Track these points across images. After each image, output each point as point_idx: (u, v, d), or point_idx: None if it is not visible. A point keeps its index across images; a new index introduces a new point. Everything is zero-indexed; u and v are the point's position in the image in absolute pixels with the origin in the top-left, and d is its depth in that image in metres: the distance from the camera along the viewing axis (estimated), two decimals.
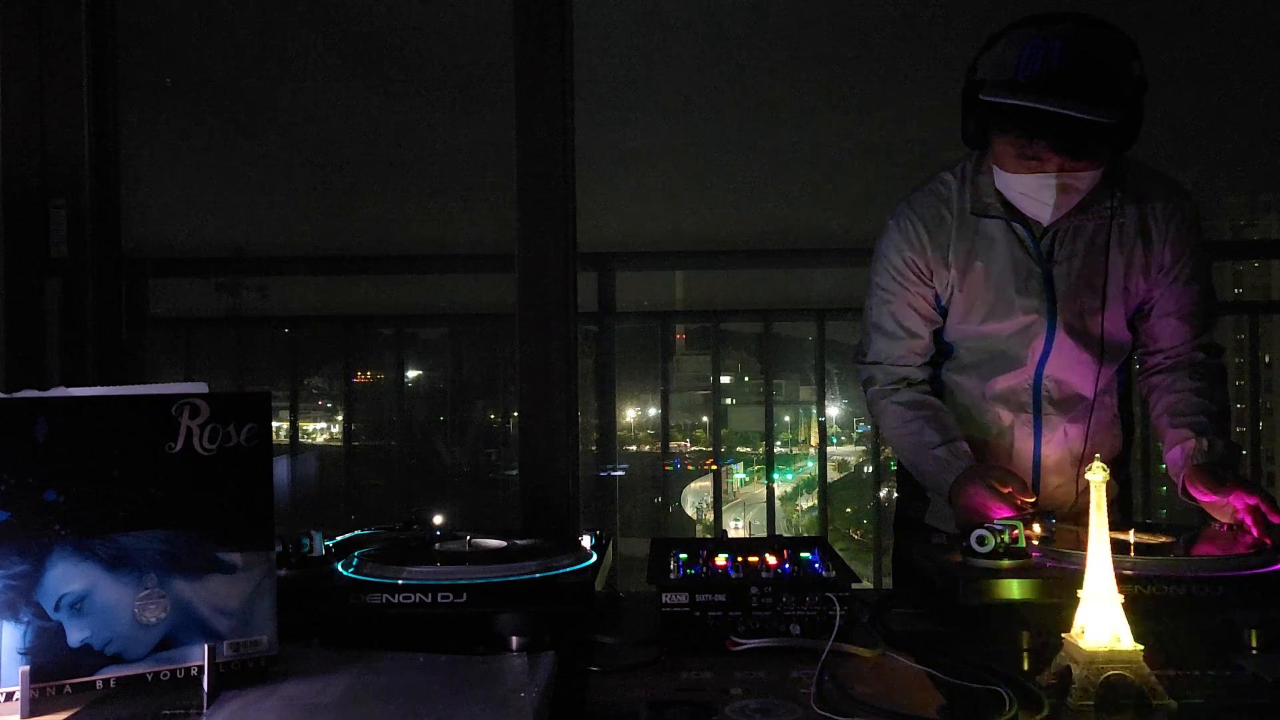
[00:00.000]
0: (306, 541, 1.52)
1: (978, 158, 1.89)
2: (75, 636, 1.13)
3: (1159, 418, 1.88)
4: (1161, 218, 1.87)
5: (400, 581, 1.37)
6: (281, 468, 3.67)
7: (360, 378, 3.89)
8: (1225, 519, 1.67)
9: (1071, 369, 1.90)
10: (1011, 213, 1.85)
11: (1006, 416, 1.93)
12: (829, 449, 3.74)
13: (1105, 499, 1.19)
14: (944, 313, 1.96)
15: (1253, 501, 1.62)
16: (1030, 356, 1.89)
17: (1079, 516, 1.67)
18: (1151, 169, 1.91)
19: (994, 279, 1.87)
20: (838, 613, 1.34)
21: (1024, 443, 1.93)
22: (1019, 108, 1.65)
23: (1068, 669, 1.16)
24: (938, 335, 1.99)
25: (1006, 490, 1.69)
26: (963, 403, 1.97)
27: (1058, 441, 1.93)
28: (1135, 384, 2.05)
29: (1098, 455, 1.83)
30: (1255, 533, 1.58)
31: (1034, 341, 1.88)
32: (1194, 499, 1.74)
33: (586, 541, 1.59)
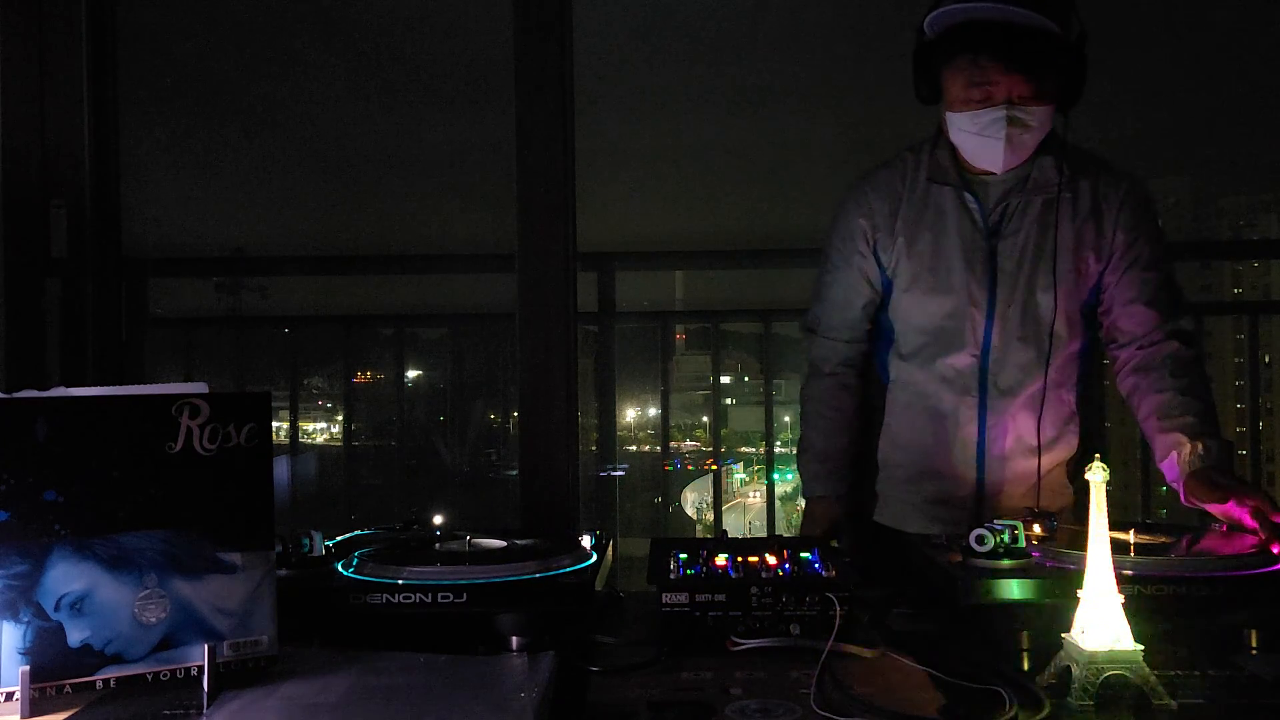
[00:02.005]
0: (306, 541, 1.52)
1: (936, 134, 1.92)
2: (75, 636, 1.13)
3: (1145, 421, 1.84)
4: (1114, 199, 1.88)
5: (400, 581, 1.37)
6: (281, 468, 3.67)
7: (360, 378, 3.89)
8: (1233, 522, 1.66)
9: (1018, 351, 1.88)
10: (965, 184, 1.87)
11: (951, 401, 1.92)
12: None
13: (1104, 499, 1.19)
14: (890, 286, 1.97)
15: (1253, 504, 1.60)
16: (972, 334, 1.89)
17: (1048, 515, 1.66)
18: (1103, 158, 1.93)
19: (941, 250, 1.89)
20: (838, 613, 1.34)
21: (968, 428, 1.92)
22: (962, 27, 1.72)
23: (1068, 669, 1.16)
24: (882, 317, 2.00)
25: (832, 542, 1.91)
26: (908, 391, 1.97)
27: (1004, 428, 1.91)
28: (1097, 389, 2.05)
29: (1040, 445, 1.85)
30: (1261, 536, 1.54)
31: (976, 318, 1.88)
32: (1197, 506, 1.72)
33: (586, 541, 1.59)
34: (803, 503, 2.10)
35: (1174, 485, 1.78)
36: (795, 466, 2.15)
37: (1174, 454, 1.77)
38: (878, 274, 1.97)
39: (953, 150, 1.88)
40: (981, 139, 1.78)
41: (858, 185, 1.98)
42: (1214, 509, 1.67)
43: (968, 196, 1.87)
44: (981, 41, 1.71)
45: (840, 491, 2.04)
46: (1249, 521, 1.58)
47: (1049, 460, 1.91)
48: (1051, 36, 1.70)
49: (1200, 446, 1.74)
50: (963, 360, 1.90)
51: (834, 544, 1.99)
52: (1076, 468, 1.99)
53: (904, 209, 1.92)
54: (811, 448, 2.06)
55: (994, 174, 1.86)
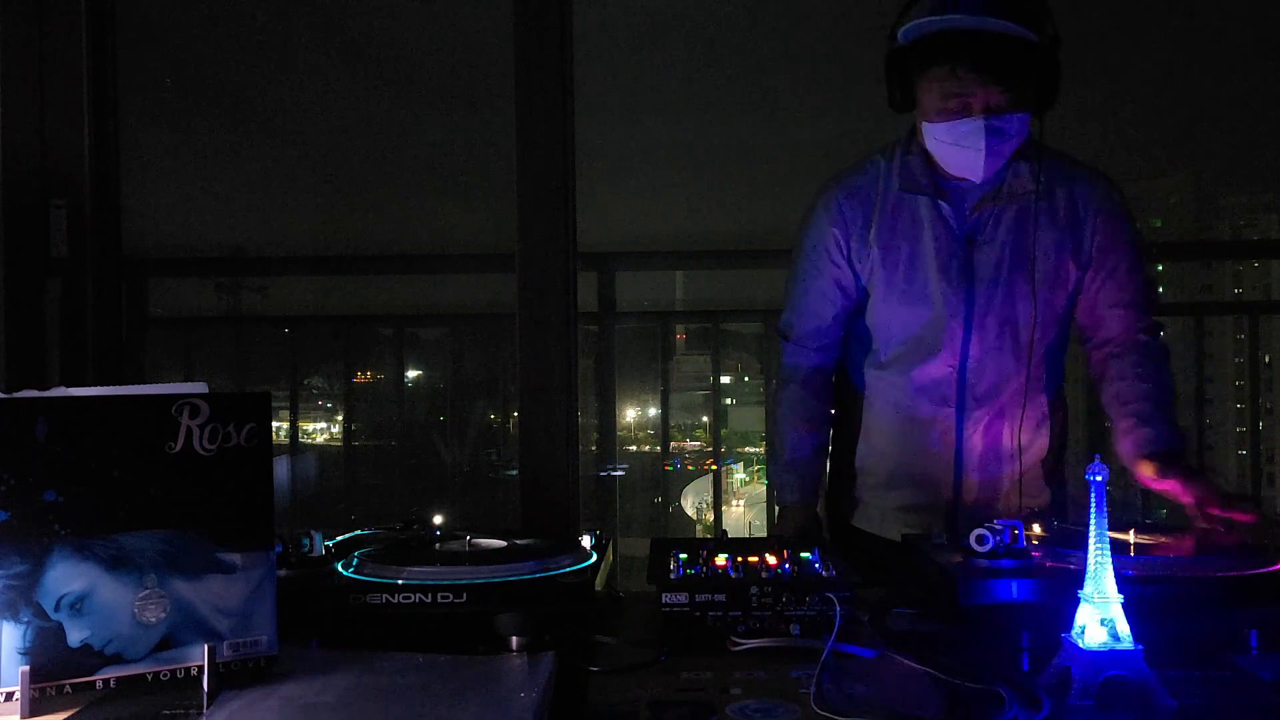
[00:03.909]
0: (306, 541, 1.52)
1: (908, 138, 1.90)
2: (75, 636, 1.13)
3: (1107, 405, 1.91)
4: (1090, 203, 1.88)
5: (400, 581, 1.37)
6: (281, 468, 3.67)
7: (360, 378, 3.90)
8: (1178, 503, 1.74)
9: (995, 359, 1.88)
10: (939, 192, 1.86)
11: (928, 410, 1.92)
12: None
13: (1104, 499, 1.19)
14: (865, 295, 1.96)
15: (1196, 493, 1.68)
16: (949, 344, 1.88)
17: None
18: (1078, 160, 1.93)
19: (917, 260, 1.88)
20: (838, 613, 1.34)
21: (945, 437, 1.92)
22: (938, 37, 1.71)
23: (1068, 669, 1.16)
24: (858, 324, 2.00)
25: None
26: (884, 399, 1.97)
27: (981, 435, 1.91)
28: (1069, 387, 2.07)
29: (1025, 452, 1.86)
30: (1201, 526, 1.63)
31: (953, 328, 1.87)
32: (1149, 486, 1.80)
33: (586, 541, 1.59)
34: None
35: (1129, 467, 1.84)
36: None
37: (1128, 438, 1.83)
38: (853, 282, 1.96)
39: (925, 156, 1.86)
40: (960, 149, 1.77)
41: (828, 191, 1.96)
42: (1158, 487, 1.76)
43: (943, 205, 1.86)
44: (959, 51, 1.70)
45: (812, 497, 2.03)
46: (1190, 510, 1.68)
47: (1024, 463, 1.92)
48: (1028, 44, 1.69)
49: (1152, 432, 1.81)
50: (940, 370, 1.90)
51: None
52: (1053, 467, 2.00)
53: (878, 218, 1.90)
54: (783, 454, 2.04)
55: (971, 181, 1.85)
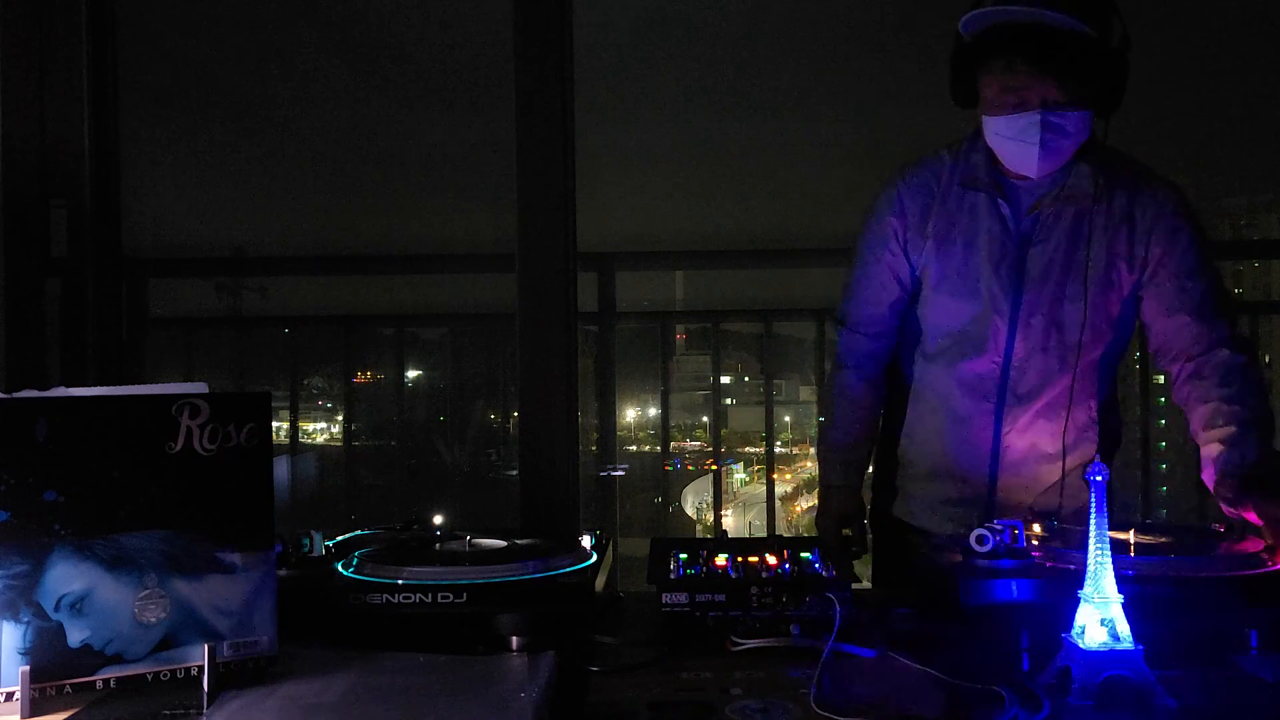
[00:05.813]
0: (306, 541, 1.52)
1: (974, 134, 1.90)
2: (75, 636, 1.13)
3: (1194, 435, 1.82)
4: (1149, 211, 1.85)
5: (400, 581, 1.37)
6: (281, 468, 3.67)
7: (360, 378, 3.89)
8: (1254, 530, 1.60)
9: (1040, 359, 1.87)
10: (999, 189, 1.85)
11: (968, 406, 1.92)
12: None
13: (1105, 499, 1.19)
14: (920, 285, 1.97)
15: (1270, 514, 1.56)
16: (994, 341, 1.88)
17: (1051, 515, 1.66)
18: (1144, 165, 1.91)
19: (970, 255, 1.88)
20: (837, 613, 1.34)
21: (983, 434, 1.91)
22: (996, 30, 1.71)
23: (1068, 669, 1.16)
24: (912, 314, 2.01)
25: (845, 530, 2.00)
26: (929, 391, 1.98)
27: (1020, 435, 1.90)
28: (1123, 394, 2.04)
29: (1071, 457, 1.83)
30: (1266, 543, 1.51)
31: (999, 325, 1.87)
32: (1234, 518, 1.66)
33: (586, 541, 1.59)
34: (805, 503, 2.10)
35: (1214, 494, 1.73)
36: (797, 469, 2.16)
37: (1211, 464, 1.74)
38: (908, 273, 1.97)
39: (988, 153, 1.86)
40: (1016, 143, 1.76)
41: (892, 182, 1.97)
42: (1233, 514, 1.64)
43: (1001, 203, 1.85)
44: (1016, 44, 1.70)
45: (855, 482, 2.05)
46: (1265, 529, 1.55)
47: (1067, 466, 1.90)
48: (1088, 40, 1.68)
49: (1236, 454, 1.71)
50: (983, 366, 1.90)
51: (846, 532, 1.99)
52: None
53: (936, 211, 1.91)
54: (829, 438, 2.07)
55: (1030, 178, 1.84)
